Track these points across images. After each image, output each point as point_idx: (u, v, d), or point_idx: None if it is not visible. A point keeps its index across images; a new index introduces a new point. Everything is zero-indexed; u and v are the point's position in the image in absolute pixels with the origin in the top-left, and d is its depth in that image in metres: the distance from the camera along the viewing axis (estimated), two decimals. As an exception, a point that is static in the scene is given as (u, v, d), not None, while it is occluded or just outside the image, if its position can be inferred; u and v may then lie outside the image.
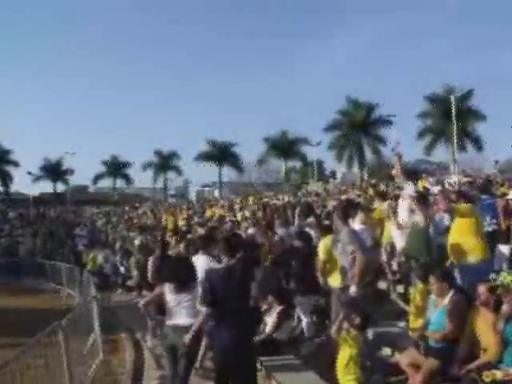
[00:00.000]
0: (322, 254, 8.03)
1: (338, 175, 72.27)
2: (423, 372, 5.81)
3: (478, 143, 48.92)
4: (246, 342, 5.48)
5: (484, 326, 5.60)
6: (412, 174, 10.49)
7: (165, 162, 66.09)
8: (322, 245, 8.11)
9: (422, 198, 8.67)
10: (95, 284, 14.02)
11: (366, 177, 51.21)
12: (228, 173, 65.08)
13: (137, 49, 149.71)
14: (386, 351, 7.54)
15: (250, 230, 12.19)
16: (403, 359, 6.27)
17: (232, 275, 5.49)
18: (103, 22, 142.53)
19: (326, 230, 8.38)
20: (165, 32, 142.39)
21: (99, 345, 9.45)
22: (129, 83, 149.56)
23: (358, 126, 51.03)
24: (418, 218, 8.22)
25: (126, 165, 68.13)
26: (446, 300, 6.10)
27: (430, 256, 7.89)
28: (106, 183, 71.12)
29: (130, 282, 16.71)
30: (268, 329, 7.84)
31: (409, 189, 9.15)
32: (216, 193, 67.94)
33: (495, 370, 5.16)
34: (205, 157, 61.54)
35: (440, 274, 6.30)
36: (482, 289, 5.90)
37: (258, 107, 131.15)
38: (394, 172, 10.19)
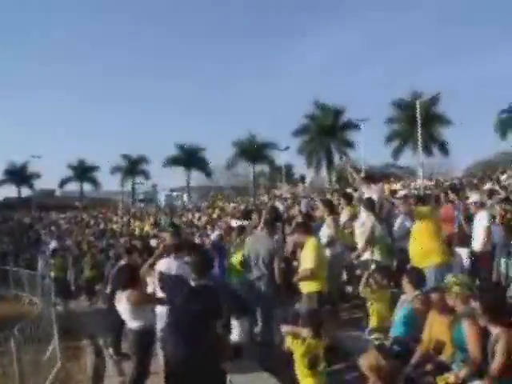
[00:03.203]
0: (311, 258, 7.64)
1: (307, 180, 72.61)
2: (383, 374, 5.84)
3: (444, 148, 49.73)
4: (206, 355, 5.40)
5: (439, 329, 5.67)
6: (369, 177, 10.62)
7: (133, 167, 65.60)
8: (311, 249, 7.67)
9: (370, 202, 8.88)
10: (59, 290, 13.81)
11: (334, 181, 51.58)
12: (196, 177, 64.95)
13: (105, 50, 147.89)
14: (347, 348, 7.57)
15: (213, 236, 12.09)
16: (363, 361, 6.28)
17: (199, 295, 5.47)
18: (65, 27, 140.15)
19: (309, 232, 8.14)
20: (130, 33, 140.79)
21: (58, 352, 9.26)
22: (96, 86, 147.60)
23: (326, 131, 51.37)
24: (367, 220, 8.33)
25: (93, 169, 67.39)
26: (410, 298, 6.21)
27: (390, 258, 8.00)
28: (72, 187, 70.28)
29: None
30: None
31: (369, 191, 9.26)
32: (185, 197, 67.62)
33: (448, 372, 5.21)
34: (173, 161, 61.29)
35: (407, 273, 6.42)
36: (433, 294, 5.97)
37: (227, 112, 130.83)
38: (351, 179, 10.39)
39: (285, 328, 5.96)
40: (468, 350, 5.14)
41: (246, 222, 11.86)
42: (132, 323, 6.54)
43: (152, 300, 6.70)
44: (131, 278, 6.65)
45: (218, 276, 8.82)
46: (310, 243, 7.66)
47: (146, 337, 6.48)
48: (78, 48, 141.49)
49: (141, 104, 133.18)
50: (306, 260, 7.53)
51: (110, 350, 9.76)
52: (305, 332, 5.66)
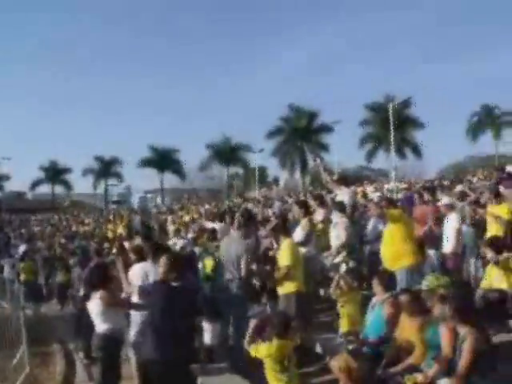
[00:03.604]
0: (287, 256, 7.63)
1: (281, 182, 72.73)
2: (354, 376, 5.86)
3: (416, 150, 50.27)
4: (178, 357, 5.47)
5: (409, 331, 5.71)
6: (342, 179, 10.67)
7: (106, 168, 65.00)
8: (288, 249, 7.67)
9: (341, 205, 8.94)
10: (30, 294, 13.56)
11: (308, 183, 51.78)
12: (170, 179, 64.60)
13: (76, 51, 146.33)
14: (319, 350, 7.59)
15: (180, 243, 11.99)
16: (335, 363, 6.29)
17: (175, 297, 5.57)
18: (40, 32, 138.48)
19: (287, 233, 8.10)
20: (103, 35, 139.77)
21: (26, 357, 9.08)
22: (67, 88, 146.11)
23: (300, 133, 51.55)
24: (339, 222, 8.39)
25: (65, 171, 66.56)
26: (381, 301, 6.27)
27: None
28: (44, 189, 69.31)
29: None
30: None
31: (342, 194, 9.32)
32: (158, 199, 67.23)
33: (417, 373, 5.26)
34: (147, 163, 60.89)
35: (378, 275, 6.46)
36: (404, 297, 6.01)
37: (202, 114, 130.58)
38: (324, 181, 10.42)
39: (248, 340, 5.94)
40: (441, 349, 5.20)
41: (218, 225, 11.79)
42: (100, 326, 6.45)
43: (125, 303, 6.62)
44: (102, 278, 6.58)
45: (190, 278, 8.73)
46: (287, 244, 7.67)
47: (113, 341, 6.38)
48: (49, 49, 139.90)
49: (114, 106, 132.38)
50: (283, 260, 7.53)
51: (81, 355, 9.62)
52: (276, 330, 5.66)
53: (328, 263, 9.19)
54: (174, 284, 5.73)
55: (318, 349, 7.72)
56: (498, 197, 9.24)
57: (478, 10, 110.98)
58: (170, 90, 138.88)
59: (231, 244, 7.90)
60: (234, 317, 7.69)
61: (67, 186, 67.50)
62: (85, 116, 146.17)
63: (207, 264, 9.59)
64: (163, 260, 5.91)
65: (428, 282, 5.76)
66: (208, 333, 7.74)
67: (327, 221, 9.65)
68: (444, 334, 5.25)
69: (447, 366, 5.10)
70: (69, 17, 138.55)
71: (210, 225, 13.36)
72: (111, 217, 33.56)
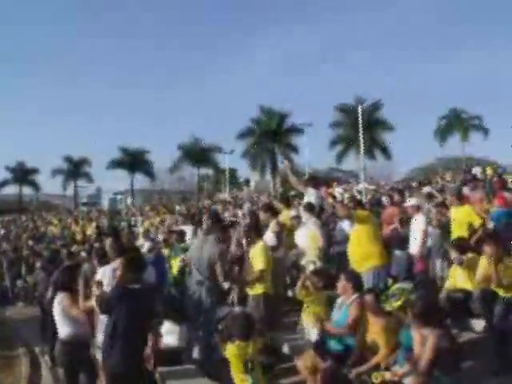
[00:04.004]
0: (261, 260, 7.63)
1: (252, 183, 72.80)
2: (320, 375, 5.90)
3: (386, 152, 50.75)
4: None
5: (374, 330, 5.78)
6: (311, 180, 10.77)
7: (75, 169, 64.21)
8: (261, 252, 7.65)
9: (310, 206, 9.00)
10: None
11: (278, 185, 51.84)
12: (141, 180, 64.09)
13: (45, 51, 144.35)
14: (285, 350, 7.61)
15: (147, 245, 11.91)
16: (301, 362, 6.33)
17: (138, 301, 5.44)
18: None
19: (259, 234, 8.09)
20: (77, 34, 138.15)
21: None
22: (34, 88, 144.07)
23: (271, 135, 51.62)
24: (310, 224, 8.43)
25: (32, 171, 65.51)
26: (349, 301, 6.30)
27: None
28: (11, 190, 68.01)
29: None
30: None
31: (308, 195, 9.39)
32: (128, 200, 66.66)
33: (385, 371, 5.33)
34: (117, 164, 60.35)
35: (347, 275, 6.50)
36: (369, 297, 6.08)
37: (173, 115, 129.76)
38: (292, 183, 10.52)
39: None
40: (413, 350, 5.28)
41: (188, 227, 11.78)
42: (62, 330, 6.36)
43: (90, 307, 6.51)
44: (68, 281, 6.49)
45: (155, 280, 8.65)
46: (260, 247, 7.68)
47: (74, 347, 6.27)
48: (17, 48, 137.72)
49: (83, 106, 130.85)
50: (257, 264, 7.54)
51: (46, 358, 9.49)
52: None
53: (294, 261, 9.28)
54: (134, 287, 5.55)
55: (286, 349, 7.75)
56: (460, 198, 9.38)
57: (452, 11, 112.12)
58: (141, 91, 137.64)
59: (203, 246, 7.85)
60: (204, 319, 7.68)
61: (35, 186, 66.44)
62: (54, 117, 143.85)
63: (174, 266, 9.55)
64: (120, 262, 5.79)
65: (396, 298, 5.83)
66: (174, 335, 7.70)
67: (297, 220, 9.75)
68: (415, 336, 5.34)
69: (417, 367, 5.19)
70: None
71: (182, 227, 13.35)
72: (80, 218, 33.09)
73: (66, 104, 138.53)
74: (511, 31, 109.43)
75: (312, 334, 6.83)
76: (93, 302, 5.93)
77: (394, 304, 5.74)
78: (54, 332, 7.24)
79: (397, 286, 6.00)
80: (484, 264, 6.91)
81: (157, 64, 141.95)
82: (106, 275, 6.93)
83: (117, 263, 6.92)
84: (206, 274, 7.61)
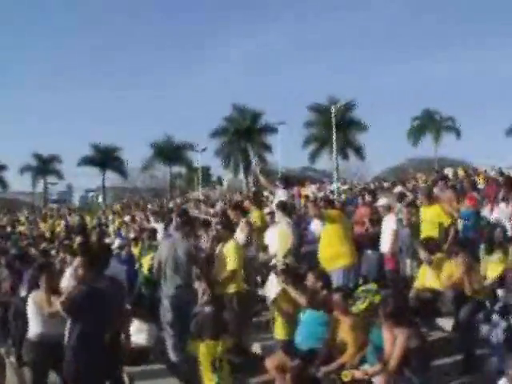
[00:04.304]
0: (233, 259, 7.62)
1: (225, 182, 72.69)
2: (289, 374, 5.90)
3: (359, 152, 51.07)
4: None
5: (341, 330, 5.80)
6: (283, 180, 10.80)
7: (44, 166, 63.22)
8: (234, 252, 7.65)
9: (282, 205, 9.01)
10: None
11: (251, 184, 51.77)
12: (113, 178, 63.40)
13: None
14: (256, 349, 7.62)
15: (117, 242, 11.81)
16: (269, 362, 6.32)
17: (107, 297, 5.17)
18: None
19: (231, 234, 8.06)
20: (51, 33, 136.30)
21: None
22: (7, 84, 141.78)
23: (244, 133, 51.54)
24: (282, 223, 8.43)
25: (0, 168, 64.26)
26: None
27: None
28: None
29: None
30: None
31: (279, 195, 9.40)
32: (100, 198, 65.93)
33: (354, 369, 5.35)
34: (88, 161, 59.58)
35: (316, 274, 6.53)
36: (336, 295, 6.10)
37: (145, 113, 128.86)
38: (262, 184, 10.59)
39: None
40: (384, 350, 5.30)
41: (159, 225, 11.69)
42: (33, 330, 6.23)
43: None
44: (46, 279, 6.30)
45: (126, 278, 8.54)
46: (232, 245, 7.69)
47: (43, 347, 6.06)
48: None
49: (53, 103, 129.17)
50: (229, 264, 7.54)
51: (12, 359, 9.29)
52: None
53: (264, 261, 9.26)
54: (100, 285, 5.22)
55: (257, 349, 7.74)
56: (430, 198, 9.47)
57: (428, 11, 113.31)
58: (114, 89, 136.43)
59: (174, 245, 7.78)
60: (182, 321, 7.62)
61: (2, 183, 65.16)
62: (23, 113, 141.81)
63: (145, 264, 9.47)
64: (80, 260, 5.44)
65: (361, 300, 5.85)
66: (143, 334, 7.60)
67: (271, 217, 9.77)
68: (385, 336, 5.35)
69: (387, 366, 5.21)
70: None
71: (152, 225, 13.26)
72: (49, 216, 32.59)
73: (36, 101, 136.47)
74: (482, 34, 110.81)
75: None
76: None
77: (359, 307, 5.76)
78: (21, 332, 7.11)
79: (362, 288, 6.02)
80: (453, 269, 7.07)
81: (129, 62, 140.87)
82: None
83: (77, 261, 6.82)
84: (180, 273, 7.55)
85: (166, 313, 7.46)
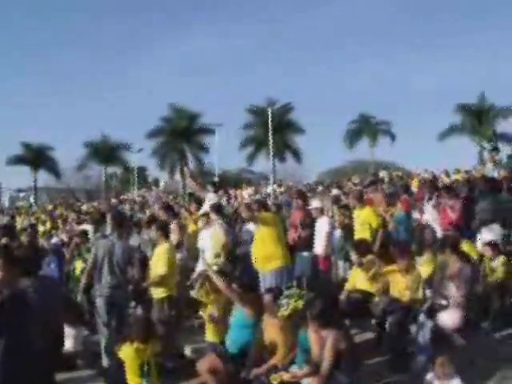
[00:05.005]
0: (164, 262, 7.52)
1: (162, 183, 72.00)
2: (220, 377, 5.88)
3: (297, 155, 51.57)
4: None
5: (271, 331, 5.82)
6: (213, 184, 10.83)
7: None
8: (165, 255, 7.56)
9: (217, 208, 9.02)
10: None
11: (188, 185, 51.37)
12: (45, 178, 61.59)
13: None
14: (187, 352, 7.61)
15: (54, 240, 11.50)
16: (201, 365, 6.27)
17: (28, 300, 4.55)
18: None
19: (165, 236, 7.89)
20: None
21: None
22: None
23: (181, 134, 51.13)
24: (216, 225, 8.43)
25: None
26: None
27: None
28: None
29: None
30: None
31: (210, 198, 9.42)
32: (31, 199, 63.98)
33: (283, 372, 5.37)
34: (18, 160, 57.67)
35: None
36: (267, 297, 6.12)
37: (79, 111, 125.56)
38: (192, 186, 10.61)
39: None
40: (311, 352, 5.33)
41: (89, 226, 11.43)
42: None
43: None
44: None
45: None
46: (164, 247, 7.63)
47: None
48: None
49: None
50: (159, 267, 7.45)
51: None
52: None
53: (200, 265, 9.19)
54: (25, 289, 4.70)
55: (188, 352, 7.68)
56: (362, 201, 9.65)
57: (364, 18, 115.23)
58: (46, 86, 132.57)
59: (110, 247, 7.63)
60: (117, 322, 7.47)
61: None
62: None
63: (78, 266, 9.25)
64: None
65: (283, 308, 5.87)
66: (70, 339, 7.39)
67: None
68: (312, 337, 5.38)
69: (317, 368, 5.23)
70: None
71: (82, 226, 12.96)
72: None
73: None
74: (415, 40, 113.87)
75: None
76: None
77: (283, 313, 5.79)
78: None
79: (285, 293, 6.04)
80: (386, 274, 7.23)
81: (63, 60, 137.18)
82: None
83: None
84: (116, 274, 7.47)
85: (102, 313, 7.34)
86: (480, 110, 43.84)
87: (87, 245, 10.20)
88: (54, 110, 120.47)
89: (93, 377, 7.07)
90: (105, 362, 7.16)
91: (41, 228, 19.94)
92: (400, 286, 7.03)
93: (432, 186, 12.13)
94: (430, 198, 11.03)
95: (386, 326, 6.84)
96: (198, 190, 10.54)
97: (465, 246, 8.07)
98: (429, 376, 5.30)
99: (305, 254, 9.38)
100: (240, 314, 6.22)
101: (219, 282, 6.36)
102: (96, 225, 12.11)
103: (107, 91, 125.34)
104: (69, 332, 7.39)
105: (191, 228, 10.22)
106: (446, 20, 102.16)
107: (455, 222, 9.40)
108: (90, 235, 11.09)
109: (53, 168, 58.67)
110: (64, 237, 14.54)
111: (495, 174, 11.83)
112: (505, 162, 12.28)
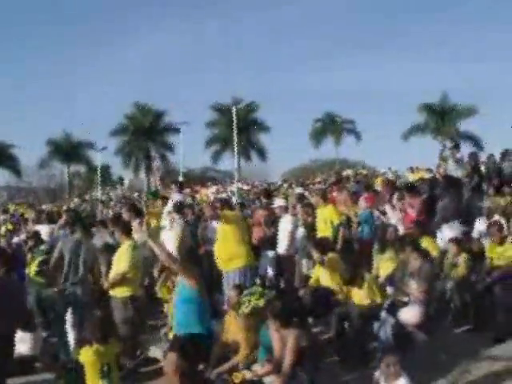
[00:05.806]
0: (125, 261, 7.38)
1: (126, 182, 71.25)
2: (182, 376, 5.79)
3: (262, 153, 51.66)
4: None
5: (234, 329, 5.79)
6: (178, 184, 10.80)
7: None
8: (127, 252, 7.43)
9: (179, 208, 8.97)
10: None
11: (153, 184, 50.98)
12: (6, 176, 60.25)
13: None
14: (152, 352, 7.50)
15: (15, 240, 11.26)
16: (165, 363, 6.19)
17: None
18: None
19: (127, 235, 7.73)
20: None
21: None
22: None
23: (145, 132, 50.75)
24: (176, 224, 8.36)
25: None
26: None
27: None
28: None
29: None
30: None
31: (174, 197, 9.34)
32: (-9, 197, 62.51)
33: (246, 370, 5.35)
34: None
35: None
36: (231, 293, 6.09)
37: (42, 109, 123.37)
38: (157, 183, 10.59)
39: None
40: (273, 350, 5.31)
41: (48, 226, 11.18)
42: None
43: None
44: None
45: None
46: (126, 246, 7.52)
47: None
48: None
49: None
50: (120, 265, 7.34)
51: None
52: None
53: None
54: None
55: (153, 351, 7.58)
56: (325, 199, 9.67)
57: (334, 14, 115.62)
58: (7, 85, 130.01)
59: (76, 245, 7.54)
60: (79, 321, 7.34)
61: None
62: None
63: (32, 268, 9.04)
64: None
65: (244, 305, 5.84)
66: (26, 343, 7.18)
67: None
68: (273, 336, 5.36)
69: (278, 366, 5.21)
70: None
71: (38, 227, 12.67)
72: None
73: None
74: (380, 37, 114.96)
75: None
76: None
77: (244, 311, 5.76)
78: None
79: (245, 292, 6.01)
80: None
81: (27, 56, 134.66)
82: None
83: None
84: (79, 272, 7.50)
85: (60, 310, 7.42)
86: (443, 110, 44.50)
87: (40, 247, 9.93)
88: (17, 108, 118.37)
89: (51, 380, 6.89)
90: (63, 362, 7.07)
91: (2, 228, 19.54)
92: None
93: (391, 186, 12.20)
94: (389, 199, 11.10)
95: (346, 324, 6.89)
96: (163, 189, 10.53)
97: (425, 242, 8.16)
98: (376, 373, 5.29)
99: (269, 253, 9.38)
100: (183, 286, 5.88)
101: (161, 252, 6.00)
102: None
103: (72, 88, 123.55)
104: (25, 336, 7.18)
105: (154, 224, 10.10)
106: (406, 20, 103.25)
107: (416, 219, 9.48)
108: (44, 236, 10.82)
109: (14, 166, 57.39)
110: (24, 237, 14.22)
111: (458, 173, 11.94)
112: (466, 160, 12.44)
